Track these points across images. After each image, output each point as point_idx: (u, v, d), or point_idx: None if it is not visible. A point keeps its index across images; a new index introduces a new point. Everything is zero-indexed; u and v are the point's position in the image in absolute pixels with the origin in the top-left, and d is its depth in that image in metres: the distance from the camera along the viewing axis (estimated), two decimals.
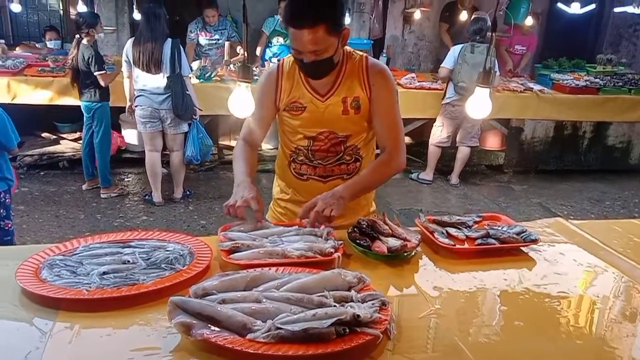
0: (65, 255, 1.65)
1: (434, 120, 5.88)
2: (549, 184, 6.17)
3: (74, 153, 5.58)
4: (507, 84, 6.11)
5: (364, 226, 1.90)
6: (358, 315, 1.36)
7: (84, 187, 5.15)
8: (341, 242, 1.82)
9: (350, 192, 1.91)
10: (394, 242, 1.82)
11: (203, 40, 6.28)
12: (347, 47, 2.01)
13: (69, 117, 5.79)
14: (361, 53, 2.04)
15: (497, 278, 1.80)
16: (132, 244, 1.75)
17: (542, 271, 1.86)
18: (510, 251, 1.96)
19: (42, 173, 5.49)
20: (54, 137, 6.00)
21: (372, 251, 1.80)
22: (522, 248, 1.98)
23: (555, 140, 6.41)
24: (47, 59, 5.70)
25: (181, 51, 4.61)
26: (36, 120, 5.95)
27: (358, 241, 1.84)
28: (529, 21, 6.50)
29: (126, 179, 5.52)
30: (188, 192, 5.12)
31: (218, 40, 6.32)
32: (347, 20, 6.86)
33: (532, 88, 6.16)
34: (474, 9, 6.35)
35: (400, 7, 7.15)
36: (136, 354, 1.28)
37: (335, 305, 1.42)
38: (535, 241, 1.96)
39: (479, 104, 1.74)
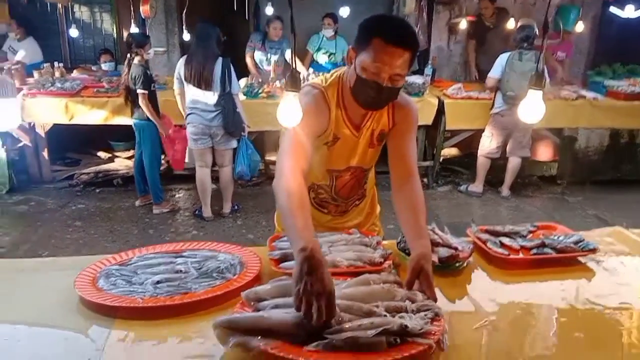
0: (121, 265, 1.70)
1: (482, 131, 5.76)
2: (605, 195, 5.91)
3: (128, 171, 5.75)
4: (558, 92, 5.93)
5: None
6: (406, 325, 1.34)
7: (137, 203, 5.29)
8: (390, 251, 1.80)
9: (428, 245, 1.65)
10: (444, 252, 1.79)
11: (257, 54, 6.37)
12: None
13: (122, 136, 5.98)
14: None
15: (554, 289, 1.73)
16: (184, 254, 1.78)
17: (602, 282, 1.79)
18: (567, 261, 1.89)
19: (97, 190, 5.68)
20: (109, 155, 6.22)
21: None
22: (580, 258, 1.91)
23: (610, 149, 6.15)
24: (102, 80, 5.93)
25: (231, 70, 4.70)
26: (92, 140, 6.20)
27: (407, 251, 1.81)
28: (580, 27, 6.31)
29: (177, 195, 5.65)
30: (236, 207, 5.19)
31: (271, 58, 6.39)
32: None
33: (585, 96, 5.95)
34: (503, 13, 6.32)
35: (445, 17, 7.10)
36: None
37: (385, 315, 1.40)
38: (593, 250, 1.88)
39: (532, 108, 1.69)
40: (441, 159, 6.25)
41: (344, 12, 6.66)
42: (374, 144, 1.94)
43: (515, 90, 5.26)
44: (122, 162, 6.06)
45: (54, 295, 1.58)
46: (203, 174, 4.94)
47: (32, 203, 5.28)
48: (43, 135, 5.58)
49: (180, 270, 1.66)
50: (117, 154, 6.25)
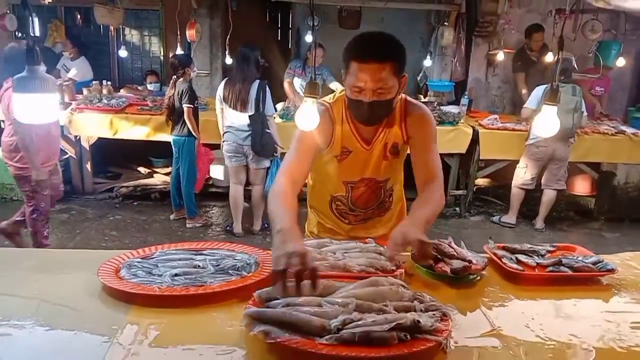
0: (143, 258, 1.79)
1: (516, 161, 5.71)
2: None
3: (165, 186, 5.94)
4: (596, 127, 5.86)
5: None
6: (418, 321, 1.36)
7: (172, 217, 5.46)
8: (403, 260, 1.83)
9: (423, 229, 1.66)
10: (458, 264, 1.80)
11: (297, 80, 6.53)
12: None
13: (162, 153, 6.19)
14: (400, 96, 1.92)
15: (568, 305, 1.72)
16: (204, 252, 1.86)
17: (618, 302, 1.76)
18: (585, 281, 1.87)
19: (135, 203, 5.88)
20: (149, 171, 6.45)
21: (435, 271, 1.79)
22: (602, 280, 1.88)
23: None
24: (146, 99, 6.20)
25: (266, 92, 4.84)
26: (134, 155, 6.45)
27: (419, 261, 1.83)
28: (620, 63, 6.25)
29: (210, 211, 5.79)
30: (266, 225, 5.27)
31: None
32: (429, 62, 6.95)
33: (625, 131, 5.84)
34: (544, 47, 6.28)
35: (484, 50, 7.12)
36: (197, 346, 1.36)
37: (395, 313, 1.42)
38: (611, 271, 1.86)
39: (546, 122, 1.72)
40: (475, 189, 6.21)
41: None
42: (387, 157, 1.99)
43: None
44: (160, 178, 6.26)
45: (79, 281, 1.67)
46: (236, 191, 5.07)
47: (73, 212, 5.51)
48: (87, 148, 5.84)
49: (198, 266, 1.73)
50: (156, 169, 6.47)
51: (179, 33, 6.51)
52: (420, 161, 1.95)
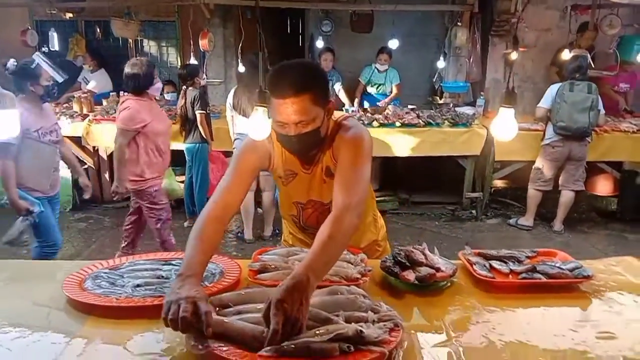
0: (111, 269, 1.82)
1: (533, 162, 5.58)
2: None
3: (182, 193, 6.02)
4: (617, 125, 5.67)
5: (400, 256, 1.87)
6: (361, 331, 1.34)
7: (186, 224, 5.53)
8: (370, 268, 1.81)
9: (315, 273, 1.44)
10: (423, 271, 1.77)
11: None
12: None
13: (179, 161, 6.26)
14: (336, 118, 1.90)
15: (536, 313, 1.67)
16: (173, 262, 1.88)
17: (592, 309, 1.70)
18: (561, 289, 1.81)
19: None
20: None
21: (400, 279, 1.76)
22: (580, 287, 1.82)
23: None
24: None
25: None
26: None
27: (388, 269, 1.81)
28: None
29: None
30: (277, 231, 5.30)
31: None
32: (442, 64, 6.86)
33: None
34: (592, 48, 6.08)
35: (501, 49, 6.97)
36: (139, 358, 1.38)
37: (342, 323, 1.41)
38: (588, 278, 1.79)
39: (503, 125, 1.67)
40: (491, 191, 6.09)
41: (393, 44, 6.75)
42: (324, 180, 1.93)
43: (566, 120, 5.10)
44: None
45: (47, 291, 1.71)
46: (247, 197, 5.09)
47: (91, 220, 5.65)
48: (105, 158, 5.98)
49: (162, 276, 1.75)
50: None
51: (192, 43, 6.59)
52: (338, 181, 1.77)
